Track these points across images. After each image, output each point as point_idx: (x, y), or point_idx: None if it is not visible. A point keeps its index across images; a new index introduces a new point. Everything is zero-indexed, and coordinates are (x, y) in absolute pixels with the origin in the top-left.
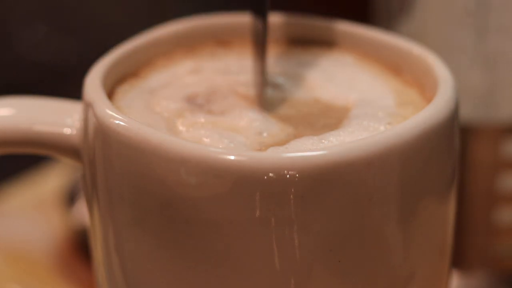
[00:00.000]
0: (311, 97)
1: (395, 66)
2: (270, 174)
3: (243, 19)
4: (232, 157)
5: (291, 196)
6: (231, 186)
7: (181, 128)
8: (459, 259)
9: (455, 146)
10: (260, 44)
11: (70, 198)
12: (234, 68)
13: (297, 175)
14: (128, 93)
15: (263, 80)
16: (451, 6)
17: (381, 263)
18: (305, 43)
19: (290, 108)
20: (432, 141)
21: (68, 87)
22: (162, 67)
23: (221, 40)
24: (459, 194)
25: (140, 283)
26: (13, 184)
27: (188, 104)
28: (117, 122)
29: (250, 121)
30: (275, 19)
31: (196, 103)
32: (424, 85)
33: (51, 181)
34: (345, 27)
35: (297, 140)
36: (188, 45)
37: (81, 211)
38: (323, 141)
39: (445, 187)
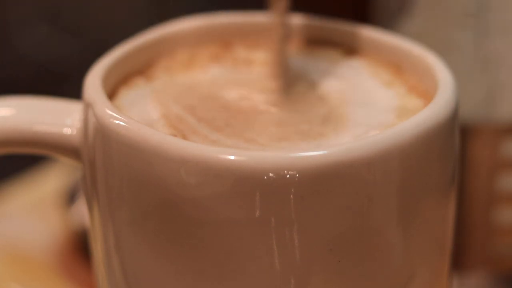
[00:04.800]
0: (308, 102)
1: (395, 66)
2: (270, 174)
3: (247, 19)
4: (232, 157)
5: (291, 196)
6: (231, 186)
7: (181, 128)
8: (459, 259)
9: (455, 146)
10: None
11: (70, 198)
12: (232, 73)
13: (297, 175)
14: (129, 93)
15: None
16: (451, 7)
17: (381, 263)
18: (305, 43)
19: (285, 111)
20: (432, 141)
21: (68, 87)
22: (164, 68)
23: (223, 41)
24: (459, 194)
25: (140, 283)
26: (13, 184)
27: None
28: (117, 122)
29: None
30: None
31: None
32: (423, 85)
33: (51, 181)
34: (344, 27)
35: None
36: (190, 45)
37: (81, 211)
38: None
39: (445, 187)
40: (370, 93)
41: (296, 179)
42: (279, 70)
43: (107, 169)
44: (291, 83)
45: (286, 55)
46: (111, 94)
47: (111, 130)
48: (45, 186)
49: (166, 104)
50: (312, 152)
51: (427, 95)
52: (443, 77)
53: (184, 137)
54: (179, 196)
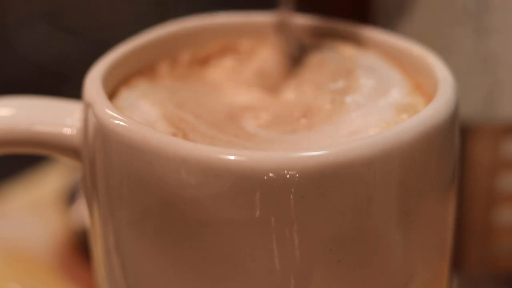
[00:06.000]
0: (304, 96)
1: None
2: (270, 174)
3: (250, 19)
4: (232, 157)
5: (291, 196)
6: (231, 186)
7: (182, 127)
8: (459, 259)
9: (455, 146)
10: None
11: (70, 198)
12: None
13: (297, 175)
14: (129, 93)
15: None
16: (451, 6)
17: (381, 263)
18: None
19: (275, 103)
20: (432, 141)
21: (68, 87)
22: (164, 68)
23: (224, 41)
24: (459, 194)
25: (140, 283)
26: (13, 184)
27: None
28: (117, 122)
29: None
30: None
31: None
32: (423, 85)
33: (50, 181)
34: (344, 27)
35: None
36: (190, 45)
37: (81, 211)
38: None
39: (445, 187)
40: (369, 92)
41: (296, 179)
42: (286, 65)
43: (107, 169)
44: (288, 76)
45: (292, 52)
46: (112, 94)
47: (111, 130)
48: (45, 186)
49: (166, 104)
50: (312, 152)
51: (427, 95)
52: (443, 77)
53: (185, 136)
54: (179, 196)
